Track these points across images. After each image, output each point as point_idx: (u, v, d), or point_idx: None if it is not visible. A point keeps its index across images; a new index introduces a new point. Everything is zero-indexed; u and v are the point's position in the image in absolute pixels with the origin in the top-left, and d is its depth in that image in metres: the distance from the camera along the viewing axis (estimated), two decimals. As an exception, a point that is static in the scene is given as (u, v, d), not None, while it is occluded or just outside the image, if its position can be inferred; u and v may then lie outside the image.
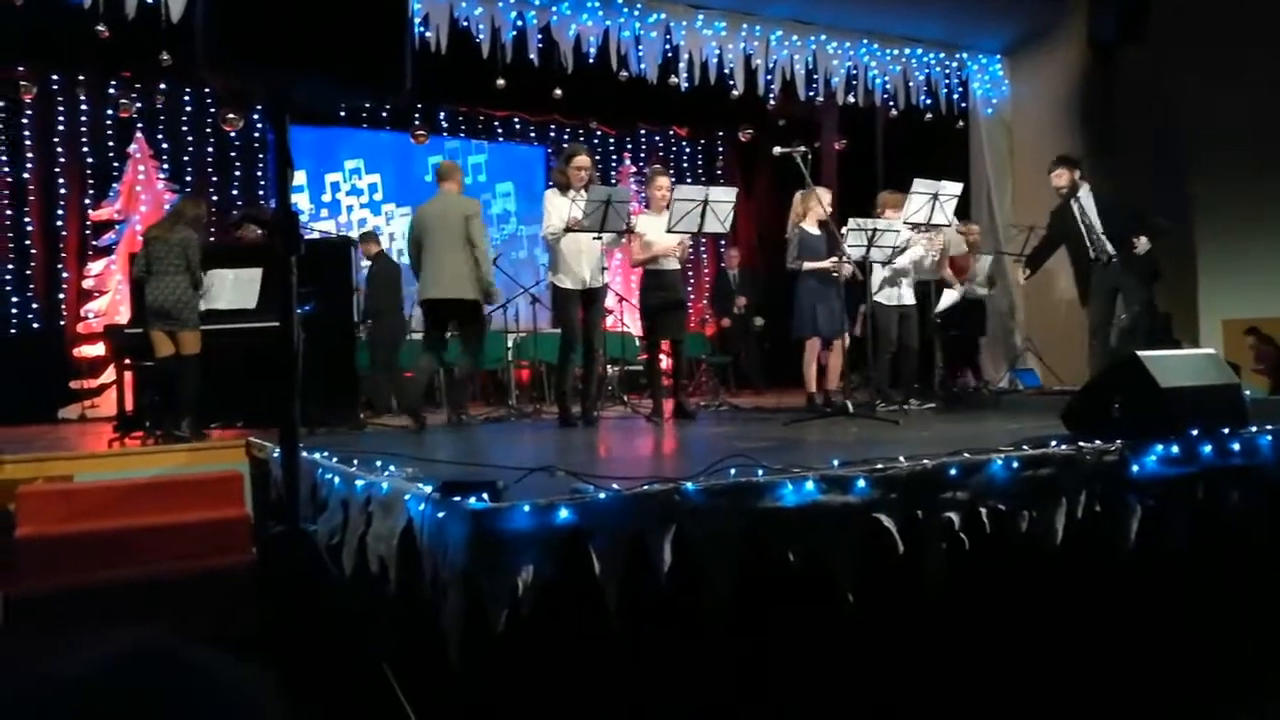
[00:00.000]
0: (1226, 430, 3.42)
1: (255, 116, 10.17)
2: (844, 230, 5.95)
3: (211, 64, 2.13)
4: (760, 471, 2.62)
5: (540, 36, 7.99)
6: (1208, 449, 3.35)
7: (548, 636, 2.27)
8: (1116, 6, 8.93)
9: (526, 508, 2.24)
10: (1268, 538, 3.48)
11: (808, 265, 6.34)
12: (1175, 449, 3.28)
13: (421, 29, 7.44)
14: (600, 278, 5.64)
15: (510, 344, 9.46)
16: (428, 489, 2.47)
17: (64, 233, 9.43)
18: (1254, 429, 3.51)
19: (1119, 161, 9.24)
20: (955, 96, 10.00)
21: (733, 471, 2.61)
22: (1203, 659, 3.28)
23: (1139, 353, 3.42)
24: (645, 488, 2.43)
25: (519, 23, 7.90)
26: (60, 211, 9.54)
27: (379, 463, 3.19)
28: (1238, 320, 8.72)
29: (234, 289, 6.20)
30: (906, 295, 6.68)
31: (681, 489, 2.45)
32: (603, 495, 2.36)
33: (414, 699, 2.30)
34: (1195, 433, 3.34)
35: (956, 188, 6.20)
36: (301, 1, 2.12)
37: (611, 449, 3.99)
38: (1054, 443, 3.16)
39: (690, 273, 12.04)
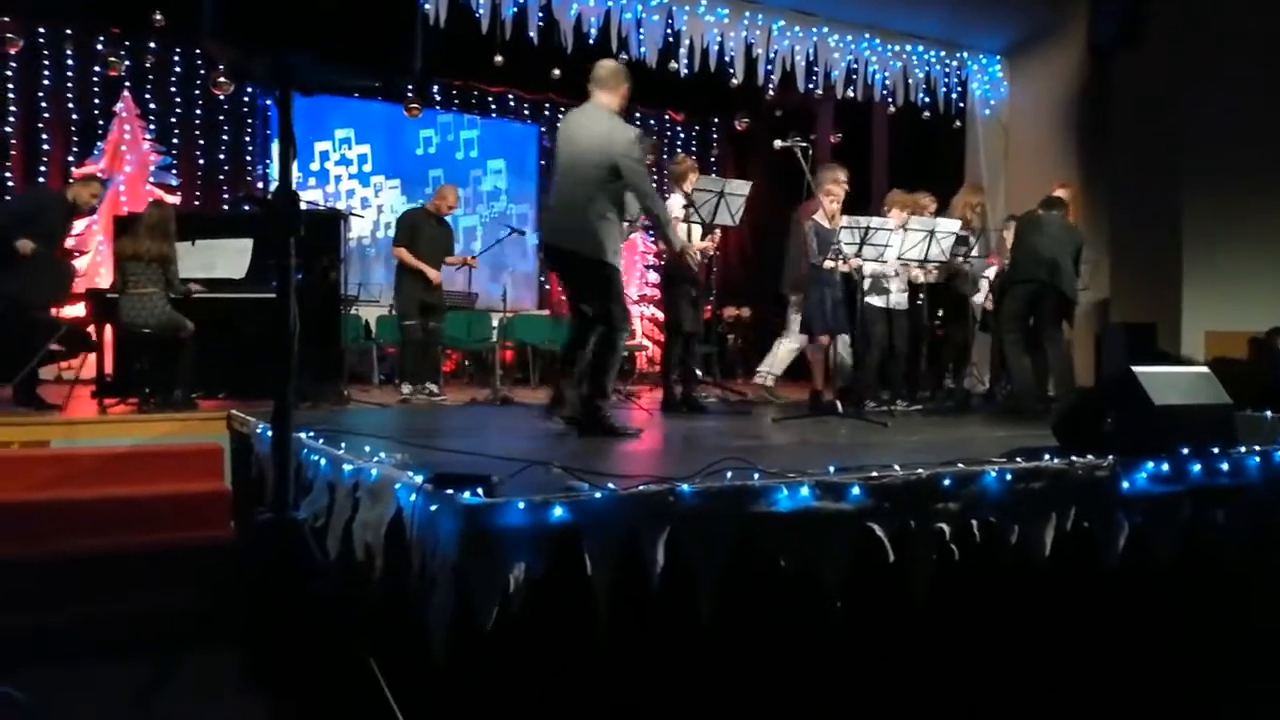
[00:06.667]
0: (1216, 450, 3.43)
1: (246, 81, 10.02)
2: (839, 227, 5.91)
3: (217, 35, 2.07)
4: (756, 475, 2.60)
5: (541, 15, 7.90)
6: (1197, 468, 3.36)
7: (537, 634, 2.24)
8: (1117, 10, 8.92)
9: (521, 505, 2.21)
10: (1248, 558, 3.50)
11: (827, 264, 6.13)
12: (1165, 467, 3.28)
13: (421, 1, 7.33)
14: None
15: (496, 324, 9.40)
16: (419, 479, 2.43)
17: (46, 186, 9.27)
18: (1243, 449, 3.52)
19: (1113, 168, 9.27)
20: (954, 95, 9.99)
21: (729, 474, 2.58)
22: (1183, 672, 3.30)
23: (1134, 368, 3.41)
24: (641, 488, 2.40)
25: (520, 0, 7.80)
26: (43, 168, 9.38)
27: (367, 447, 3.14)
28: (1221, 332, 8.77)
29: (223, 258, 6.11)
30: (896, 297, 6.63)
31: (677, 490, 2.42)
32: (598, 494, 2.33)
33: (396, 690, 2.28)
34: (1185, 451, 3.35)
35: (954, 225, 6.25)
36: (312, -24, 2.07)
37: (605, 443, 3.96)
38: (1047, 456, 3.16)
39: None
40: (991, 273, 7.32)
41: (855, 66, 9.34)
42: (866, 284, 6.36)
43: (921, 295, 6.81)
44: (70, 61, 9.48)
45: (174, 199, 9.41)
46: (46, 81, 9.40)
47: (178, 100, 10.05)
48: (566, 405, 4.35)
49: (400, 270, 7.03)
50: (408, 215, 7.33)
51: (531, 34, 7.94)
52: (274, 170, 10.09)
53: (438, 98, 11.51)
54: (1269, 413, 5.48)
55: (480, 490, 2.24)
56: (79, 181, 6.39)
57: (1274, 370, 6.63)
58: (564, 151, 4.28)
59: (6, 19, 8.67)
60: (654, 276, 12.81)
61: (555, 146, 4.43)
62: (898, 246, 6.15)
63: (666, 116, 12.99)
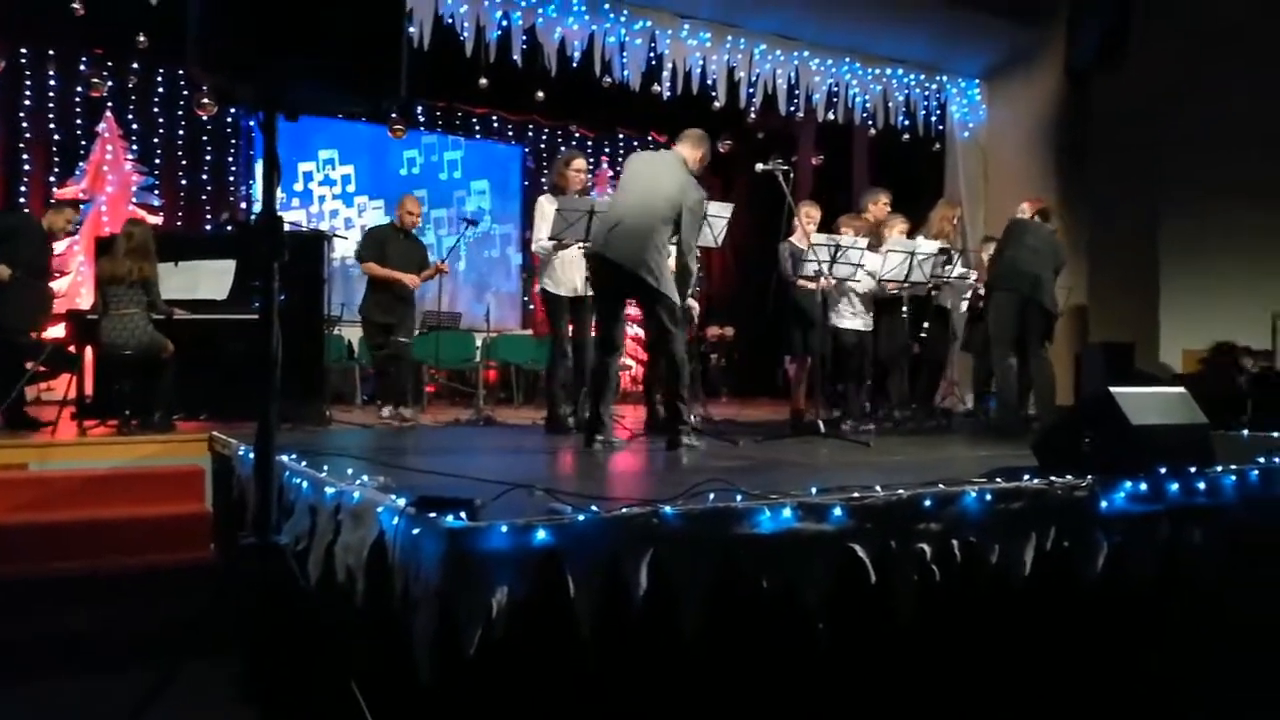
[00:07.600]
0: (1193, 469, 3.47)
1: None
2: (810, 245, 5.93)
3: (203, 62, 2.08)
4: (739, 497, 2.61)
5: (525, 37, 7.95)
6: (1174, 487, 3.40)
7: (520, 658, 2.24)
8: (1095, 34, 9.06)
9: (504, 528, 2.21)
10: (1225, 576, 3.53)
11: (801, 281, 6.16)
12: (1143, 486, 3.31)
13: (407, 24, 7.36)
14: (589, 286, 5.60)
15: (479, 344, 9.41)
16: (401, 502, 2.43)
17: (26, 211, 9.21)
18: (1219, 469, 3.56)
19: (1090, 189, 9.40)
20: (933, 118, 10.10)
21: (711, 496, 2.60)
22: (1160, 689, 3.33)
23: (1112, 389, 3.45)
24: (624, 510, 2.41)
25: (504, 22, 7.86)
26: (24, 188, 9.33)
27: (349, 469, 3.14)
28: (1199, 350, 8.87)
29: (205, 280, 6.10)
30: (860, 320, 6.64)
31: (660, 513, 2.43)
32: (581, 517, 2.33)
33: (379, 714, 2.26)
34: (1163, 471, 3.38)
35: (933, 246, 6.32)
36: (298, 3, 2.08)
37: (588, 464, 3.97)
38: (1026, 476, 3.19)
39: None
40: (970, 290, 7.37)
41: (836, 90, 9.44)
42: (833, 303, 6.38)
43: (905, 309, 6.82)
44: (52, 82, 9.46)
45: (156, 219, 9.38)
46: (28, 102, 9.37)
47: (160, 121, 10.04)
48: (603, 429, 4.64)
49: (365, 294, 7.05)
50: (374, 230, 7.30)
51: (515, 56, 7.98)
52: (257, 191, 10.09)
53: (422, 119, 11.54)
54: (1245, 432, 5.55)
55: (463, 513, 2.24)
56: (54, 208, 6.40)
57: (1233, 385, 6.74)
58: (637, 184, 4.62)
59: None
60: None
61: (623, 174, 4.82)
62: (879, 268, 6.20)
63: (650, 138, 13.05)
